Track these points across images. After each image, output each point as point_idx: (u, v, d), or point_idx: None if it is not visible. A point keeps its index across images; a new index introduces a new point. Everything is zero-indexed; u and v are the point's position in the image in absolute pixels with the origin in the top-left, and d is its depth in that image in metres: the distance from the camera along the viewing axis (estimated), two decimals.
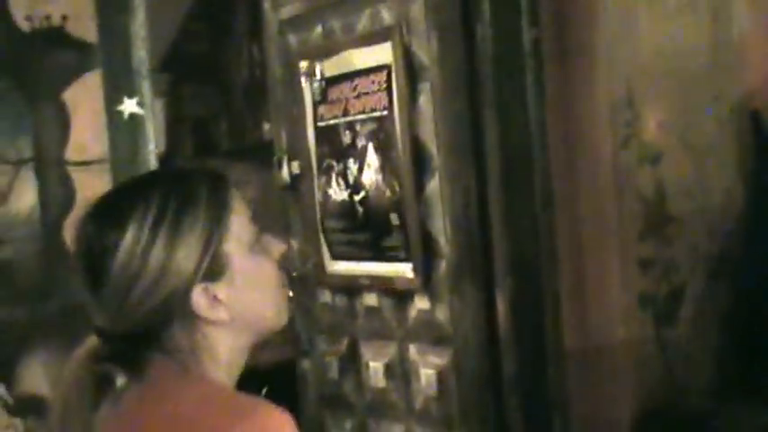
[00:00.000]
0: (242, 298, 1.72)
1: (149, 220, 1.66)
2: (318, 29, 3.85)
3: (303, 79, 3.89)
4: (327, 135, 3.83)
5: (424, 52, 3.48)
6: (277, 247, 1.81)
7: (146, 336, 1.70)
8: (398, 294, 3.68)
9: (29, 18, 2.68)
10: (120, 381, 1.68)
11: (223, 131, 5.93)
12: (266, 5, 4.06)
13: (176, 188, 1.71)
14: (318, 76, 3.83)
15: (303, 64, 3.88)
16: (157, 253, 1.66)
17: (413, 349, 3.67)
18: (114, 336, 1.68)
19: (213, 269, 1.69)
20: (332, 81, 3.78)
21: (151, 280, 1.66)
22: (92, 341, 1.69)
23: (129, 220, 1.66)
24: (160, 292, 1.67)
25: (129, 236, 1.65)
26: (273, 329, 1.78)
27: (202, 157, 5.83)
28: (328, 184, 3.85)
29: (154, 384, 1.68)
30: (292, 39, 3.99)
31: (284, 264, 1.81)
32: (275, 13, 4.03)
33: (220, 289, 1.70)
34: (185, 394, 1.66)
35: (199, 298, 1.68)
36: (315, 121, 3.89)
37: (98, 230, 1.70)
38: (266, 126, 5.33)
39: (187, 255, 1.67)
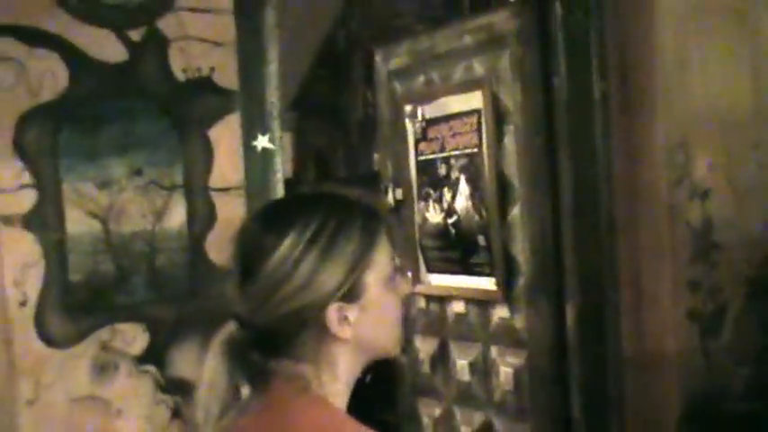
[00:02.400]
0: (368, 324, 1.72)
1: (307, 234, 1.69)
2: (421, 78, 4.31)
3: (407, 120, 4.35)
4: (426, 167, 4.28)
5: (509, 100, 3.89)
6: (405, 287, 1.82)
7: (278, 336, 1.71)
8: (483, 303, 4.07)
9: (184, 70, 3.03)
10: (246, 391, 1.72)
11: (339, 161, 6.24)
12: (378, 58, 4.55)
13: (336, 211, 1.73)
14: (420, 118, 4.28)
15: (407, 107, 4.35)
16: (308, 265, 1.68)
17: (494, 350, 4.04)
18: (251, 326, 1.70)
19: (351, 292, 1.70)
20: (431, 122, 4.23)
21: (296, 287, 1.67)
22: (230, 328, 1.71)
23: (289, 230, 1.69)
24: (301, 299, 1.68)
25: (286, 243, 1.68)
26: (385, 357, 1.79)
27: (321, 182, 6.14)
28: (426, 208, 4.29)
29: (274, 402, 1.70)
30: (399, 86, 4.45)
31: (407, 303, 1.90)
32: (385, 65, 4.51)
33: (352, 311, 1.70)
34: (304, 420, 1.69)
35: (332, 314, 1.69)
36: (416, 155, 4.34)
37: (261, 232, 1.73)
38: (375, 157, 5.51)
39: (333, 274, 1.68)
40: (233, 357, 1.70)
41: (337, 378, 1.73)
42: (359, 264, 1.70)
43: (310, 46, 5.82)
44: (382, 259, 1.73)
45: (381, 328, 1.76)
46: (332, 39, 5.93)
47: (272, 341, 1.71)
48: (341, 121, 6.16)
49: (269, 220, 1.76)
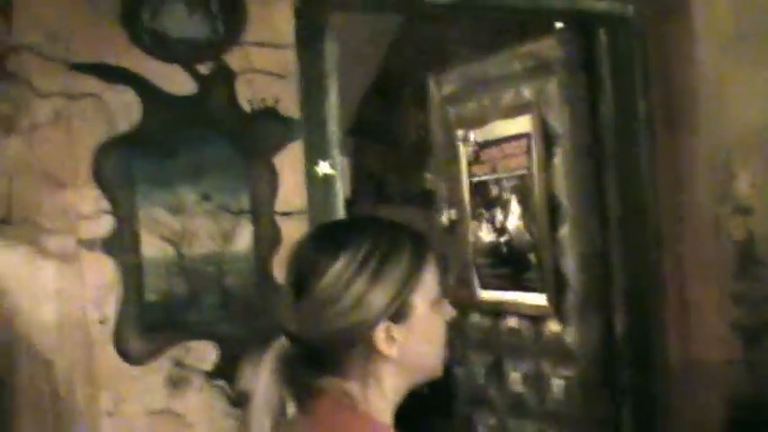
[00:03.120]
0: (414, 344, 1.74)
1: (359, 256, 1.72)
2: (472, 103, 4.45)
3: (460, 144, 4.50)
4: (479, 189, 4.42)
5: (558, 122, 4.01)
6: (450, 311, 1.84)
7: (326, 354, 1.74)
8: (534, 318, 4.18)
9: (250, 101, 3.16)
10: (291, 409, 1.73)
11: (394, 181, 6.41)
12: (431, 84, 4.69)
13: (386, 236, 1.77)
14: (472, 142, 4.42)
15: (460, 131, 4.49)
16: (359, 285, 1.70)
17: (545, 363, 4.14)
18: (302, 342, 1.72)
19: (399, 313, 1.73)
20: (483, 145, 4.38)
21: (347, 306, 1.70)
22: (281, 343, 1.73)
23: (342, 251, 1.72)
24: (350, 318, 1.70)
25: (339, 264, 1.71)
26: (429, 378, 1.80)
27: (378, 202, 6.33)
28: (479, 228, 4.43)
29: (321, 418, 1.72)
30: (451, 111, 4.59)
31: (450, 325, 1.85)
32: (438, 91, 4.66)
33: (399, 331, 1.73)
34: None
35: (380, 334, 1.71)
36: (469, 177, 4.48)
37: (315, 252, 1.76)
38: (427, 177, 5.59)
39: (382, 295, 1.71)
40: (283, 373, 1.71)
41: (383, 396, 1.75)
42: (407, 286, 1.74)
43: (365, 72, 5.97)
44: (429, 282, 1.77)
45: (426, 348, 1.78)
46: (385, 65, 6.06)
47: (321, 358, 1.74)
48: (394, 144, 6.30)
49: (323, 240, 1.80)
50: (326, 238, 1.81)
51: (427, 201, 5.23)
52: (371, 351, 1.74)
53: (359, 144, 6.26)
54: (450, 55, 5.06)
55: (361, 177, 6.35)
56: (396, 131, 6.25)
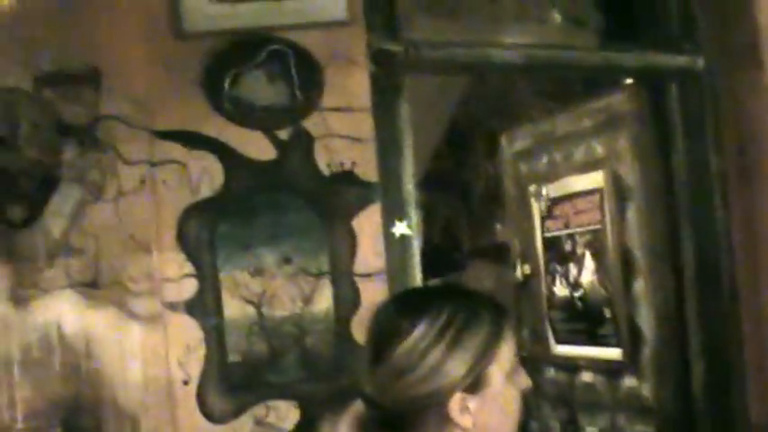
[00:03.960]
0: (487, 415, 1.75)
1: (438, 324, 1.74)
2: (544, 159, 4.50)
3: (532, 199, 4.54)
4: (552, 244, 4.45)
5: (630, 178, 4.03)
6: (525, 381, 1.85)
7: (402, 419, 1.75)
8: (610, 373, 4.17)
9: (328, 165, 3.22)
10: None
11: (464, 233, 6.46)
12: (503, 141, 4.75)
13: (466, 305, 1.79)
14: (545, 197, 4.46)
15: (532, 187, 4.53)
16: (436, 354, 1.72)
17: (622, 418, 4.13)
18: (377, 405, 1.75)
19: (474, 384, 1.74)
20: (555, 200, 4.41)
21: (423, 374, 1.72)
22: (358, 406, 1.77)
23: (421, 319, 1.74)
24: (427, 386, 1.72)
25: (417, 331, 1.73)
26: None
27: (449, 251, 6.33)
28: (553, 282, 4.46)
29: None
30: (523, 166, 4.65)
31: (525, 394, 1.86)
32: (510, 147, 4.72)
33: (473, 401, 1.74)
34: None
35: (455, 403, 1.73)
36: (542, 232, 4.51)
37: (395, 318, 1.79)
38: (498, 227, 5.85)
39: (459, 365, 1.73)
40: None
41: None
42: (484, 357, 1.76)
43: (435, 125, 6.04)
44: (506, 353, 1.79)
45: (501, 419, 1.80)
46: (455, 117, 6.12)
47: (396, 423, 1.76)
48: (464, 196, 6.38)
49: (403, 307, 1.84)
50: (406, 305, 1.85)
51: (499, 253, 5.25)
52: (446, 419, 1.76)
53: (429, 196, 6.26)
54: (519, 108, 5.11)
55: (431, 229, 6.39)
56: (465, 183, 6.33)
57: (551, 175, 4.44)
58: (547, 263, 4.51)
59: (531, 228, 4.57)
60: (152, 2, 3.18)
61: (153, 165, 3.13)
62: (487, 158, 5.67)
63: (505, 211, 4.92)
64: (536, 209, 4.53)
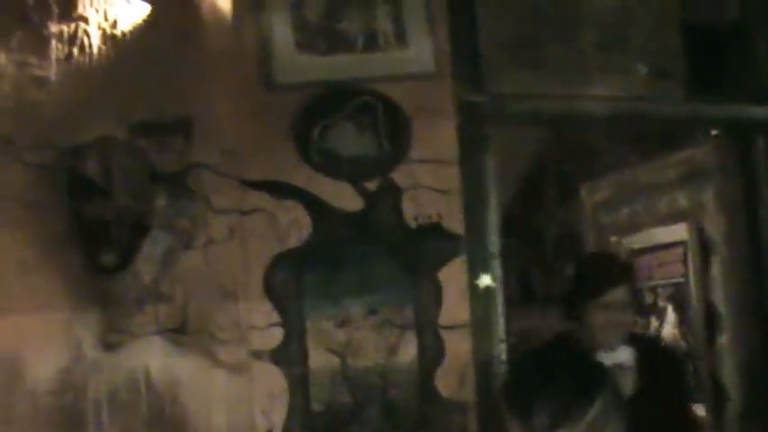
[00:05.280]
0: None
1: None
2: (625, 210, 4.48)
3: (613, 250, 4.48)
4: None
5: (715, 230, 4.00)
6: None
7: None
8: None
9: (415, 218, 3.24)
10: None
11: (538, 278, 6.45)
12: (582, 192, 4.76)
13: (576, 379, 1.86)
14: (626, 248, 4.43)
15: (613, 238, 4.52)
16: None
17: None
18: None
19: None
20: (636, 252, 4.38)
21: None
22: None
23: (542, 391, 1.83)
24: None
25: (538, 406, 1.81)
26: None
27: (525, 301, 6.32)
28: None
29: None
30: (604, 217, 4.63)
31: None
32: (590, 197, 4.72)
33: None
34: None
35: None
36: None
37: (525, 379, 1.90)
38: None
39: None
40: None
41: None
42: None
43: (512, 172, 6.01)
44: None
45: None
46: (531, 166, 6.12)
47: None
48: (536, 239, 6.34)
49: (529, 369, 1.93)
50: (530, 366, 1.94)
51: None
52: None
53: (504, 241, 6.27)
54: (599, 157, 5.08)
55: (506, 274, 6.34)
56: (537, 226, 6.30)
57: (633, 227, 4.43)
58: None
59: None
60: (244, 53, 3.23)
61: (242, 214, 3.16)
62: (560, 203, 5.65)
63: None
64: None
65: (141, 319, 3.09)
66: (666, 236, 4.24)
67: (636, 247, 4.41)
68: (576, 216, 4.82)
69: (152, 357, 3.09)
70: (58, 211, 3.06)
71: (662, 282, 4.25)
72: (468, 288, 3.30)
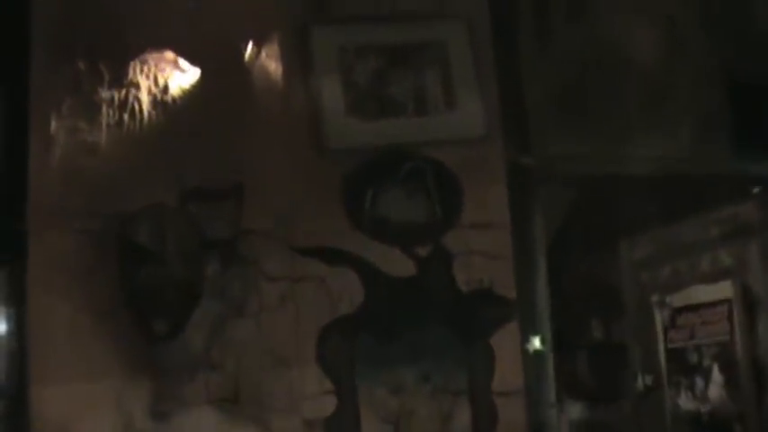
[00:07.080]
0: None
1: None
2: (667, 268, 4.43)
3: (655, 309, 4.46)
4: (676, 355, 4.35)
5: (760, 288, 3.95)
6: None
7: None
8: None
9: (467, 282, 3.22)
10: None
11: (565, 327, 6.35)
12: (622, 248, 4.70)
13: None
14: (668, 306, 4.39)
15: (654, 296, 4.46)
16: None
17: None
18: None
19: None
20: (679, 311, 4.33)
21: None
22: None
23: None
24: None
25: None
26: None
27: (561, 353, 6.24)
28: (677, 395, 4.34)
29: None
30: (644, 275, 4.58)
31: None
32: (630, 254, 4.66)
33: None
34: None
35: None
36: (665, 342, 4.41)
37: None
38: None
39: None
40: None
41: None
42: None
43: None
44: None
45: None
46: (567, 222, 6.08)
47: None
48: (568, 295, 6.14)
49: None
50: None
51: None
52: None
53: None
54: (639, 214, 5.05)
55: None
56: (576, 290, 6.23)
57: (675, 285, 4.37)
58: (670, 375, 4.41)
59: (654, 338, 4.48)
60: (295, 118, 3.24)
61: (293, 281, 3.15)
62: (601, 265, 5.62)
63: (624, 320, 4.83)
64: (659, 319, 4.45)
65: (192, 388, 3.06)
66: (710, 294, 4.18)
67: (677, 305, 4.36)
68: (614, 274, 4.78)
69: (203, 427, 3.05)
70: (109, 279, 3.02)
71: (706, 341, 4.19)
72: (520, 353, 3.28)
